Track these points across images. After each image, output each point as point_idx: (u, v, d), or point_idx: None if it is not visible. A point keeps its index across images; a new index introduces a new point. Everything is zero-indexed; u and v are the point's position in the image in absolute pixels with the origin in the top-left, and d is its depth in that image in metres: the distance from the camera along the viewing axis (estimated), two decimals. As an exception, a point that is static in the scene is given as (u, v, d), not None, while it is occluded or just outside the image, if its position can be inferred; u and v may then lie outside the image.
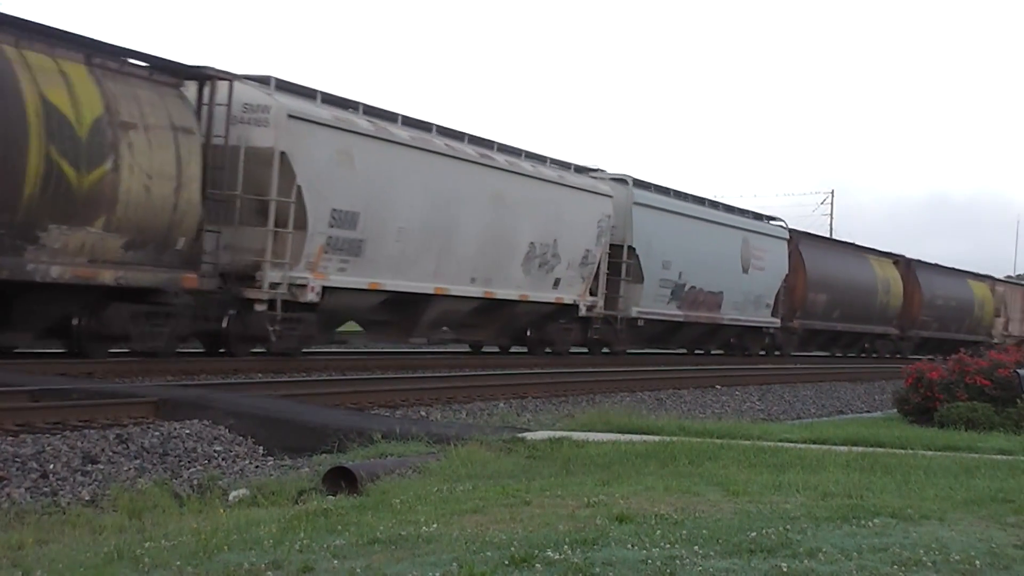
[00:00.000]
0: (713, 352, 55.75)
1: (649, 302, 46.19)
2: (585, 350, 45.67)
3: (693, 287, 48.94)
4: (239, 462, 16.38)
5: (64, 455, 15.30)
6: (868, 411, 33.16)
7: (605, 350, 46.17)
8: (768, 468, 13.56)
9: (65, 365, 24.77)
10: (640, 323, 46.17)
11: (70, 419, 17.47)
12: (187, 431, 17.63)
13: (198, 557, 8.63)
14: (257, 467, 16.11)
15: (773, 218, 58.72)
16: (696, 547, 8.70)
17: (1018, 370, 28.14)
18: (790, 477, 12.79)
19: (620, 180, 45.95)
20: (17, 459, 14.81)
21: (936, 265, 76.21)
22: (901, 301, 68.65)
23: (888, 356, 67.89)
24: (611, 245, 44.16)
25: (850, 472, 13.52)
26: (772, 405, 33.59)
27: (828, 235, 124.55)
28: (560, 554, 8.28)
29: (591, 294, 43.41)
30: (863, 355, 69.27)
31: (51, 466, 14.72)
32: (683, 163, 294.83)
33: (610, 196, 44.01)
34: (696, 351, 54.81)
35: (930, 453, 16.07)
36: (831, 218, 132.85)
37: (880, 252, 69.65)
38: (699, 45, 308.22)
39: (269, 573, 7.94)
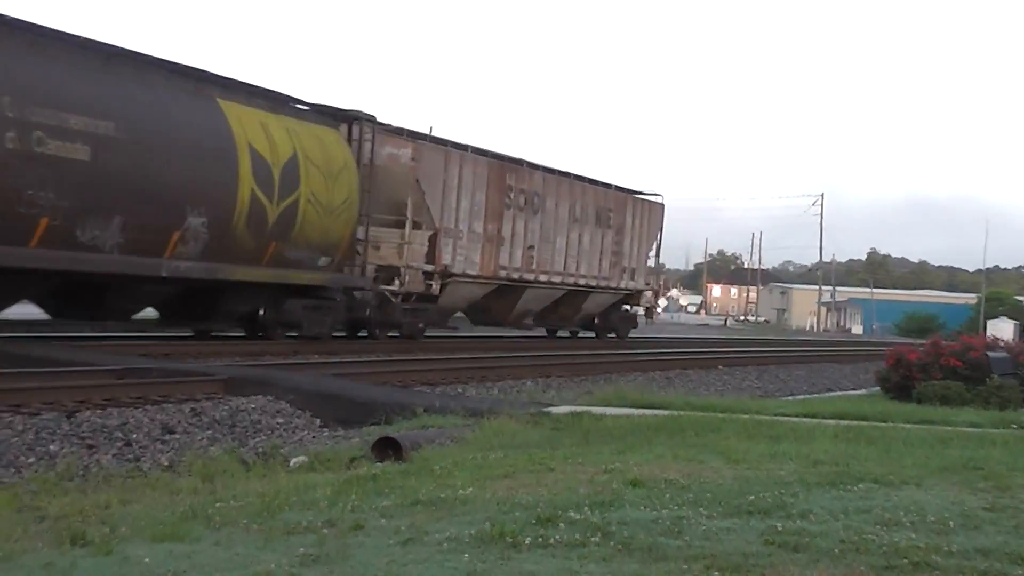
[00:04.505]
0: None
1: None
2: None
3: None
4: (298, 433, 16.47)
5: (145, 426, 15.43)
6: (854, 388, 33.07)
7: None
8: (765, 439, 13.55)
9: (147, 347, 25.06)
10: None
11: (151, 395, 17.64)
12: (253, 405, 17.76)
13: (262, 516, 8.66)
14: (314, 437, 16.18)
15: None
16: (701, 508, 8.71)
17: (987, 352, 28.22)
18: (784, 447, 12.78)
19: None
20: (104, 429, 14.95)
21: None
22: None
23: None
24: None
25: (838, 443, 13.50)
26: (768, 383, 33.58)
27: (819, 239, 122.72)
28: (580, 514, 8.29)
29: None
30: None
31: (134, 436, 14.84)
32: (682, 169, 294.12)
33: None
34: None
35: (908, 426, 16.04)
36: (821, 219, 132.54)
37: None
38: (700, 57, 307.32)
39: (325, 530, 7.96)
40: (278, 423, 16.97)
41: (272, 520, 8.48)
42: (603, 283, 44.37)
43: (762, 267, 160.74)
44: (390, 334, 33.45)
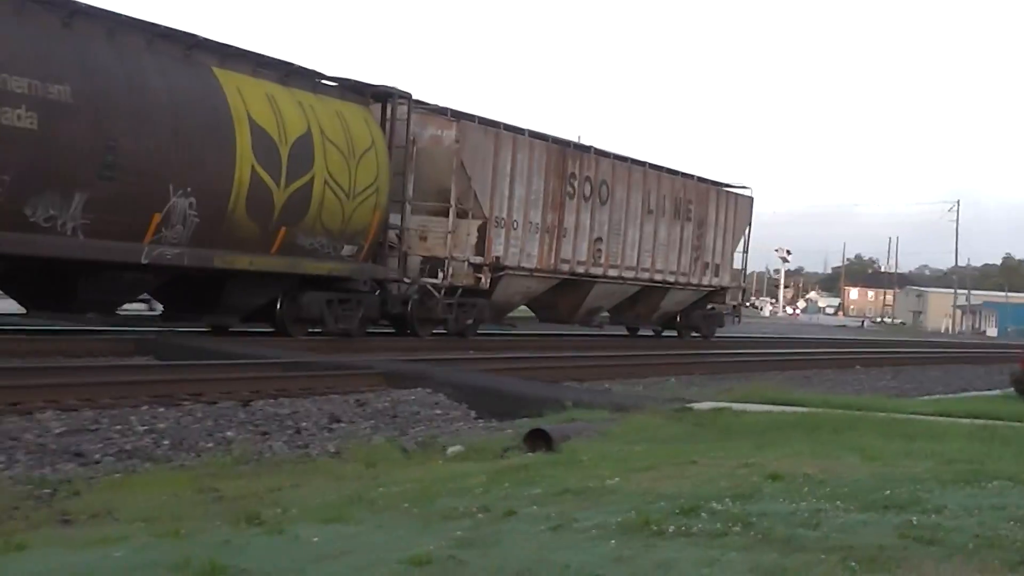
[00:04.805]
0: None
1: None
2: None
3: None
4: (455, 423, 16.57)
5: (314, 415, 15.66)
6: (988, 389, 32.30)
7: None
8: (900, 437, 13.32)
9: (298, 342, 25.30)
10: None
11: (318, 386, 17.88)
12: (412, 397, 17.93)
13: (421, 501, 8.75)
14: (469, 428, 16.28)
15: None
16: (838, 502, 8.61)
17: None
18: (919, 445, 12.55)
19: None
20: (276, 418, 15.21)
21: None
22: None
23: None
24: None
25: (971, 441, 13.22)
26: (904, 383, 32.95)
27: (955, 244, 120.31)
28: (722, 505, 8.25)
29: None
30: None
31: (303, 424, 15.06)
32: (820, 173, 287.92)
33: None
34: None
35: (1042, 427, 15.68)
36: (956, 224, 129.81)
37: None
38: (838, 61, 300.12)
39: (479, 516, 8.02)
40: (436, 414, 17.10)
41: (430, 505, 8.57)
42: (682, 279, 39.75)
43: (899, 271, 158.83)
44: (435, 331, 30.17)
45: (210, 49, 22.74)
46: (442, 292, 28.84)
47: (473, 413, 17.36)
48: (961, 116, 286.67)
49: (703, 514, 7.96)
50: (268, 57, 24.35)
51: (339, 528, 7.66)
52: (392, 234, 28.09)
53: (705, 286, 41.19)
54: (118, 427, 13.43)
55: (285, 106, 23.85)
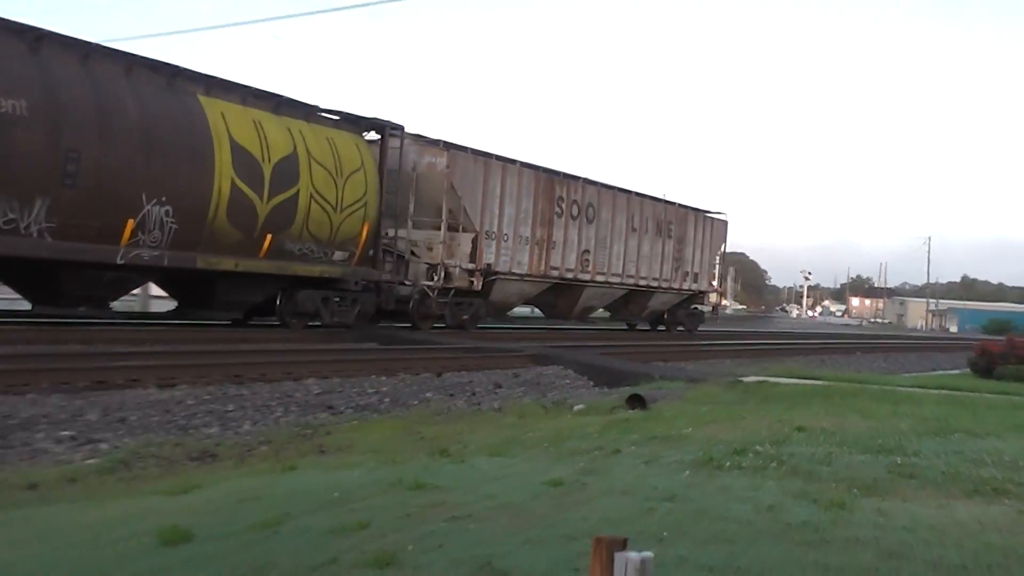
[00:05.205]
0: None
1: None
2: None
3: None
4: (578, 390, 16.54)
5: (484, 383, 15.75)
6: (952, 369, 31.23)
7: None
8: (889, 402, 12.98)
9: (460, 335, 25.24)
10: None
11: (487, 364, 17.97)
12: (550, 372, 17.93)
13: (555, 442, 8.75)
14: (588, 393, 16.21)
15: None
16: (844, 448, 8.43)
17: None
18: (902, 408, 12.23)
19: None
20: (459, 384, 15.34)
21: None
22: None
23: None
24: None
25: (940, 406, 12.82)
26: (891, 364, 32.03)
27: (927, 267, 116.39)
28: (763, 448, 8.13)
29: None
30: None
31: (477, 389, 15.16)
32: (825, 212, 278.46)
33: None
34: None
35: (991, 396, 15.17)
36: (928, 252, 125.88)
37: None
38: (832, 119, 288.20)
39: (595, 453, 7.99)
40: (566, 383, 17.08)
41: (561, 445, 8.57)
42: (664, 284, 35.10)
43: (887, 286, 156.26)
44: (435, 325, 25.90)
45: (196, 80, 18.96)
46: (435, 292, 25.14)
47: (591, 383, 17.31)
48: (932, 173, 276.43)
49: (750, 454, 7.85)
50: (261, 90, 20.46)
51: (501, 459, 7.69)
52: (401, 244, 24.63)
53: (686, 290, 36.83)
54: (355, 390, 13.67)
55: (272, 130, 20.02)
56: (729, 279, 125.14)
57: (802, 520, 5.58)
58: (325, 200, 21.15)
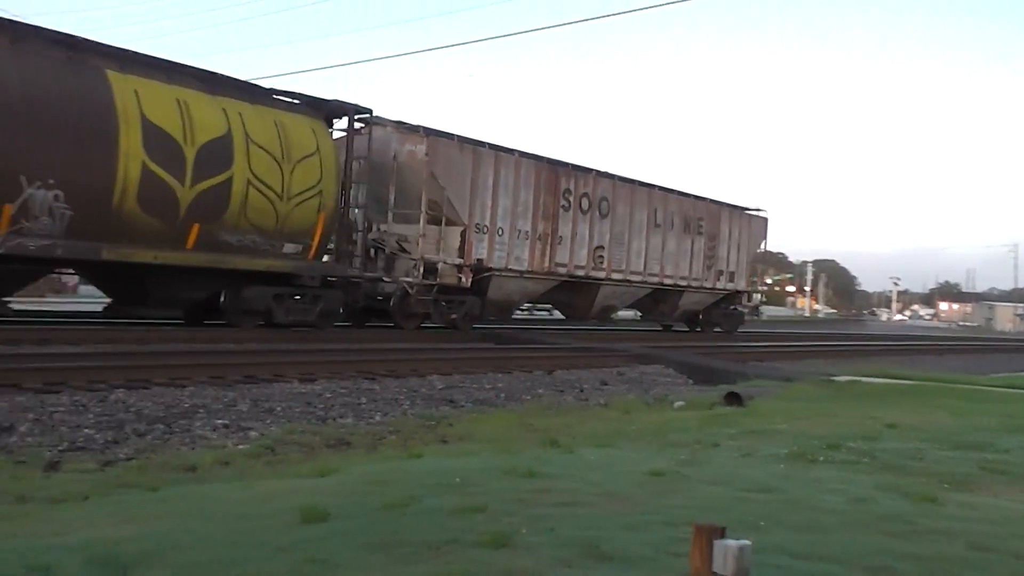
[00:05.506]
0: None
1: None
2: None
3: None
4: (679, 387, 16.31)
5: (591, 380, 15.65)
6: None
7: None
8: (978, 401, 12.47)
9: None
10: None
11: (593, 363, 17.87)
12: (652, 370, 17.74)
13: (657, 435, 8.66)
14: (688, 390, 15.95)
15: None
16: (934, 444, 8.13)
17: None
18: (991, 407, 11.74)
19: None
20: (568, 381, 15.28)
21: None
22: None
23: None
24: None
25: (1028, 405, 12.25)
26: (981, 364, 30.57)
27: (1014, 272, 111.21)
28: (855, 443, 7.91)
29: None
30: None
31: (584, 385, 15.06)
32: (915, 219, 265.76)
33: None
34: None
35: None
36: (1015, 259, 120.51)
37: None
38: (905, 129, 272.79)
39: (695, 445, 7.88)
40: (667, 381, 16.87)
41: (662, 438, 8.47)
42: (695, 283, 30.61)
43: (975, 291, 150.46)
44: (424, 324, 22.13)
45: (108, 55, 15.82)
46: (415, 289, 21.21)
47: (691, 381, 17.05)
48: (1020, 180, 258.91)
49: (842, 449, 7.63)
50: (196, 69, 17.26)
51: (606, 450, 7.64)
52: (384, 238, 21.32)
53: (720, 289, 32.17)
54: (474, 385, 13.76)
55: (200, 111, 16.64)
56: (821, 284, 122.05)
57: (893, 512, 5.38)
58: (267, 187, 17.72)
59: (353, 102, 20.10)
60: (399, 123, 21.66)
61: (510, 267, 23.55)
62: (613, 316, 30.10)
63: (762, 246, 35.48)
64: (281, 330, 18.32)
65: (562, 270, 25.24)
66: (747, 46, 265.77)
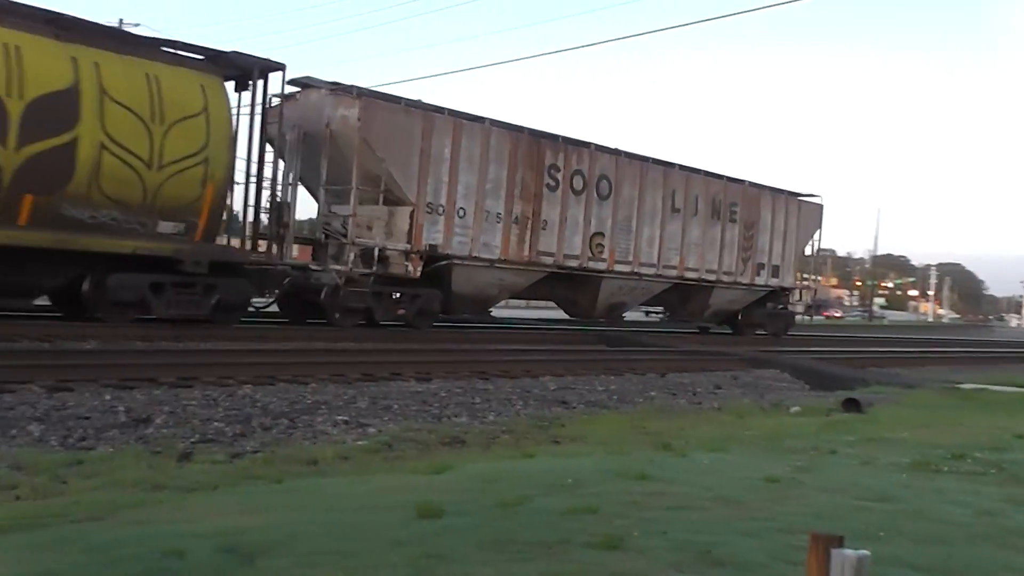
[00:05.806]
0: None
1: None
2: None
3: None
4: (795, 393, 15.89)
5: (704, 384, 15.40)
6: None
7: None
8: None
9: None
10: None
11: (707, 366, 17.59)
12: (767, 374, 17.36)
13: (772, 441, 8.47)
14: (804, 395, 15.53)
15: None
16: (1069, 456, 7.69)
17: None
18: None
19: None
20: (681, 385, 15.02)
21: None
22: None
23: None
24: None
25: None
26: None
27: None
28: (982, 454, 7.57)
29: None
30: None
31: (697, 389, 14.77)
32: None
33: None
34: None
35: None
36: None
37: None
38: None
39: (811, 452, 7.67)
40: (782, 386, 16.46)
41: (778, 443, 8.28)
42: (727, 279, 26.19)
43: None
44: (360, 322, 18.67)
45: None
46: (343, 280, 17.97)
47: (807, 386, 16.60)
48: None
49: (968, 459, 7.32)
50: (38, 9, 14.24)
51: (719, 455, 7.52)
52: (338, 223, 18.41)
53: (761, 286, 27.57)
54: (586, 387, 13.73)
55: (37, 58, 13.81)
56: (945, 288, 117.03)
57: (1023, 527, 5.13)
58: (129, 152, 14.71)
59: (263, 56, 16.83)
60: (334, 85, 18.56)
61: (476, 255, 20.00)
62: (623, 314, 25.89)
63: (816, 237, 30.35)
64: (383, 329, 17.05)
65: (548, 260, 21.55)
66: (868, 40, 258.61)
